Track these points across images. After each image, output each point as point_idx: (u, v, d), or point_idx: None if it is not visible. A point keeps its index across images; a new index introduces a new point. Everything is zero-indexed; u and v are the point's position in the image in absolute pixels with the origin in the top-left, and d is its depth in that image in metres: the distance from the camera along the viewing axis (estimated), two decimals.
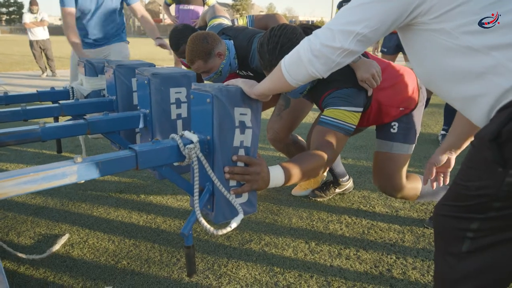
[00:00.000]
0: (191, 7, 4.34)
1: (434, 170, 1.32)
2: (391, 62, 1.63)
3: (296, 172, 1.22)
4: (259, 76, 1.75)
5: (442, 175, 1.34)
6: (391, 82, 1.55)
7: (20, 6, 53.47)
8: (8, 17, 54.47)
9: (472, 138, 1.22)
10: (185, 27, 2.07)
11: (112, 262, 1.59)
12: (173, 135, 1.05)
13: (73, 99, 1.98)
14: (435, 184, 1.38)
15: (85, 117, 1.37)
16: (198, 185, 1.04)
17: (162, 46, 2.91)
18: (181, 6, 4.40)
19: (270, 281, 1.49)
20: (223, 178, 1.09)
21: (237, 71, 1.96)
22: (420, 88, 1.65)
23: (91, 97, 2.00)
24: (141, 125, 1.46)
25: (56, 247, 1.67)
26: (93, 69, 1.97)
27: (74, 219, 1.94)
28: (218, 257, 1.63)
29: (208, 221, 1.76)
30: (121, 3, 2.93)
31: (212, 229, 1.01)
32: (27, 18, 7.54)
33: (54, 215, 1.98)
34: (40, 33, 7.64)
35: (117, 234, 1.81)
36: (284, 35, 1.28)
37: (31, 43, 7.63)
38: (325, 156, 1.29)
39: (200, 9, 4.43)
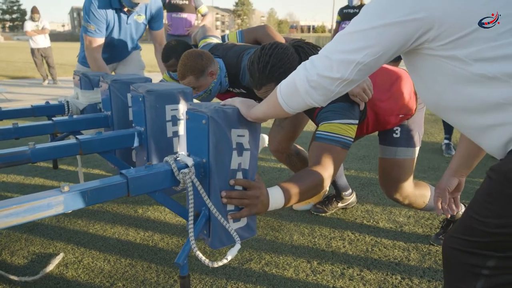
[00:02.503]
0: (184, 15, 4.33)
1: (447, 195, 1.21)
2: (388, 67, 1.59)
3: (296, 192, 1.16)
4: (252, 93, 1.71)
5: (453, 200, 1.25)
6: (387, 93, 1.52)
7: (23, 13, 53.85)
8: (11, 24, 54.87)
9: (482, 156, 1.16)
10: (179, 43, 2.06)
11: (107, 284, 1.54)
12: (167, 158, 1.01)
13: (68, 113, 1.94)
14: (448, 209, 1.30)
15: (77, 136, 1.32)
16: (192, 212, 0.99)
17: None
18: (174, 14, 4.39)
19: None
20: (219, 202, 1.04)
21: (230, 89, 1.93)
22: None
23: (87, 110, 1.96)
24: (135, 144, 1.41)
25: (50, 267, 1.62)
26: (89, 83, 1.93)
27: (69, 236, 1.89)
28: (217, 278, 1.58)
29: (205, 246, 1.71)
30: (145, 27, 2.83)
31: (207, 260, 0.96)
32: (29, 26, 7.54)
33: (49, 232, 1.93)
34: (42, 41, 7.64)
35: (113, 253, 1.76)
36: (275, 55, 1.25)
37: (33, 51, 7.63)
38: (325, 172, 1.24)
39: (193, 17, 4.41)
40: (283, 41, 1.91)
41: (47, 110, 1.89)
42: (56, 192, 0.84)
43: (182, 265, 0.96)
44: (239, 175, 1.07)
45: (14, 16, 53.57)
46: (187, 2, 4.36)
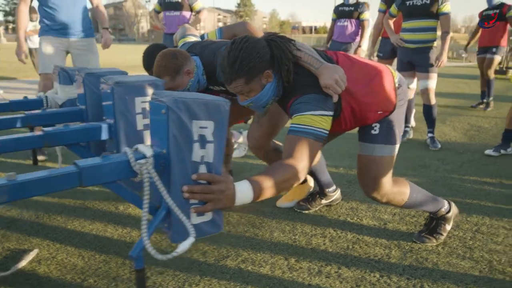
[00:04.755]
0: (178, 13, 4.31)
1: None
2: (367, 61, 1.55)
3: (266, 185, 1.13)
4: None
5: None
6: (366, 88, 1.48)
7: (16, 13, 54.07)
8: (15, 25, 55.13)
9: None
10: (156, 46, 2.04)
11: (78, 280, 1.51)
12: (126, 148, 0.98)
13: (47, 108, 1.92)
14: (424, 192, 1.34)
15: (44, 128, 1.30)
16: (148, 205, 0.96)
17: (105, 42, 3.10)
18: (167, 13, 4.38)
19: None
20: (180, 195, 1.01)
21: (210, 87, 1.90)
22: (398, 87, 1.56)
23: (66, 105, 1.93)
24: (105, 137, 1.38)
25: (23, 263, 1.60)
26: (68, 77, 1.91)
27: (46, 232, 1.87)
28: (191, 275, 1.55)
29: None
30: None
31: (157, 254, 0.93)
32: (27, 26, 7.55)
33: (27, 228, 1.91)
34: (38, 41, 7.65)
35: (89, 249, 1.73)
36: (245, 50, 1.24)
37: (30, 51, 7.64)
38: (298, 164, 1.22)
39: (188, 14, 4.39)
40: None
41: (25, 105, 1.86)
42: (2, 181, 0.81)
43: (136, 258, 0.93)
44: (202, 168, 1.04)
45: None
46: (180, 0, 4.34)
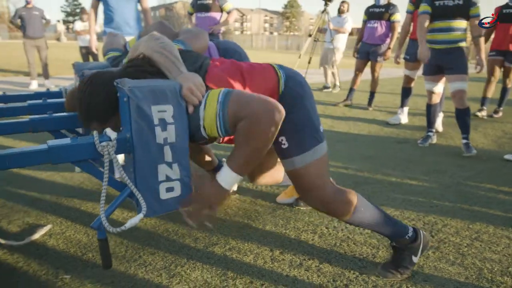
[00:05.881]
0: (208, 14, 4.47)
1: None
2: (242, 64, 1.41)
3: (242, 154, 1.15)
4: None
5: None
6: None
7: (75, 13, 57.22)
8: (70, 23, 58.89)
9: None
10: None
11: (79, 253, 1.68)
12: (94, 132, 1.10)
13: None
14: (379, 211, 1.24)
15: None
16: (106, 182, 1.09)
17: None
18: (199, 14, 4.55)
19: (219, 285, 1.49)
20: (146, 174, 1.12)
21: None
22: (284, 88, 1.39)
23: None
24: None
25: (36, 236, 1.80)
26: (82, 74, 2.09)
27: (61, 212, 2.07)
28: (178, 257, 1.66)
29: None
30: None
31: (110, 227, 1.05)
32: (78, 26, 8.15)
33: (46, 207, 2.13)
34: (88, 40, 8.21)
35: None
36: (89, 93, 1.17)
37: (80, 48, 8.23)
38: (252, 112, 1.12)
39: (218, 16, 4.54)
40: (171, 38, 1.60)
41: (47, 95, 2.07)
42: None
43: (98, 228, 1.07)
44: (167, 149, 1.13)
45: (76, 18, 57.72)
46: (211, 1, 4.51)
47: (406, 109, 4.48)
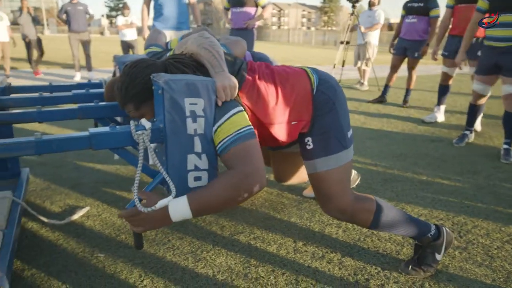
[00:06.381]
0: (243, 9, 4.51)
1: None
2: (277, 69, 1.44)
3: (208, 196, 1.13)
4: None
5: None
6: (261, 97, 1.36)
7: (118, 8, 59.05)
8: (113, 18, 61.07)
9: None
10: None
11: (113, 235, 1.80)
12: (131, 121, 1.18)
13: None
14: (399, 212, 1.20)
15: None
16: (141, 168, 1.15)
17: None
18: (234, 9, 4.61)
19: (242, 271, 1.55)
20: (177, 162, 1.19)
21: None
22: (317, 91, 1.41)
23: None
24: None
25: (75, 217, 1.94)
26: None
27: (100, 195, 2.21)
28: (205, 243, 1.74)
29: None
30: None
31: (141, 207, 1.11)
32: (119, 20, 8.48)
33: (86, 191, 2.28)
34: (129, 34, 8.52)
35: None
36: (130, 75, 1.23)
37: (121, 42, 8.56)
38: (242, 170, 1.14)
39: (253, 10, 4.57)
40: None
41: (88, 86, 2.21)
42: (29, 138, 1.08)
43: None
44: (196, 140, 1.19)
45: (119, 12, 59.69)
46: None
47: (443, 107, 4.32)
